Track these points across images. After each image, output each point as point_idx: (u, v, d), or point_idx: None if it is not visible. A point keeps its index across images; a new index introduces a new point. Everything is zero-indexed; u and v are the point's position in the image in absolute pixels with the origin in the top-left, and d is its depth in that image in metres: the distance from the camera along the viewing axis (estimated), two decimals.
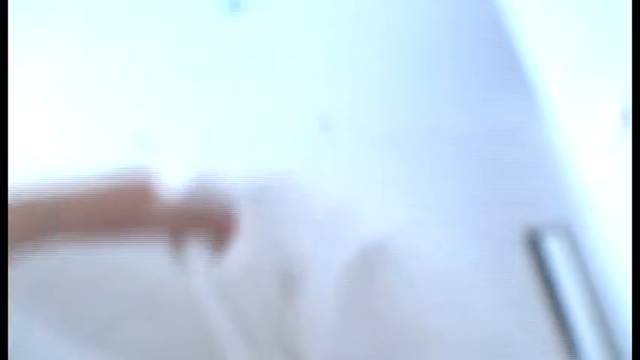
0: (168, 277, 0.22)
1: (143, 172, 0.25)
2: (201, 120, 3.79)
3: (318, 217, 0.24)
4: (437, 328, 0.21)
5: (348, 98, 4.07)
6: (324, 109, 4.10)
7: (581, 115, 1.70)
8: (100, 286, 0.22)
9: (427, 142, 4.37)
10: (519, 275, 3.97)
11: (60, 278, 0.22)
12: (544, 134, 3.95)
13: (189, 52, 3.07)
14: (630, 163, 1.38)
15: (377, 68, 3.64)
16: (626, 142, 1.49)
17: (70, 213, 0.24)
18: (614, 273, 3.38)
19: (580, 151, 1.80)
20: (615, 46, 1.40)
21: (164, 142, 3.95)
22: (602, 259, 3.69)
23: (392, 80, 3.86)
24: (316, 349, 0.21)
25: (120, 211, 0.25)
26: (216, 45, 2.86)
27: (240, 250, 0.22)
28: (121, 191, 0.25)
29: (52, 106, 3.34)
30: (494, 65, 3.70)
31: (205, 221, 0.25)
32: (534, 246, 3.92)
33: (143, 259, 0.23)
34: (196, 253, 0.23)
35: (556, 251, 3.87)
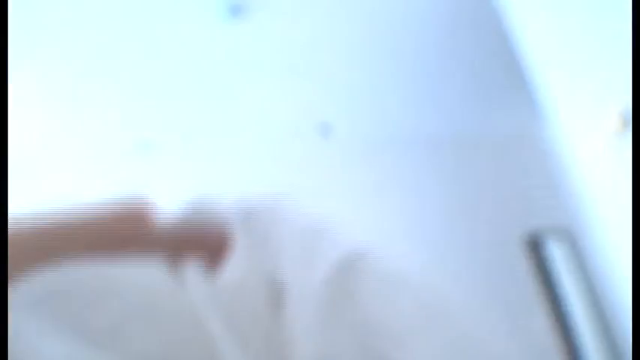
0: (167, 289, 0.24)
1: (139, 198, 0.27)
2: (202, 124, 3.72)
3: (301, 235, 0.26)
4: (414, 331, 0.23)
5: (347, 103, 4.01)
6: (324, 113, 4.05)
7: (582, 118, 1.70)
8: (104, 295, 0.23)
9: (428, 145, 4.33)
10: (520, 278, 3.90)
11: (65, 288, 0.23)
12: (545, 137, 3.90)
13: (190, 57, 3.04)
14: (630, 166, 1.38)
15: (376, 73, 3.58)
16: (626, 145, 1.49)
17: (69, 239, 0.25)
18: (615, 274, 3.35)
19: (580, 154, 1.79)
20: (616, 50, 1.40)
21: (165, 148, 3.86)
22: (603, 261, 3.65)
23: (392, 84, 3.80)
24: (301, 353, 0.22)
25: (117, 236, 0.26)
26: (216, 50, 2.86)
27: (234, 267, 0.24)
28: (118, 217, 0.27)
29: (53, 113, 3.27)
30: (496, 70, 3.65)
31: (201, 243, 0.26)
32: (535, 248, 3.88)
33: (143, 273, 0.24)
34: (192, 270, 0.24)
35: (557, 253, 3.82)
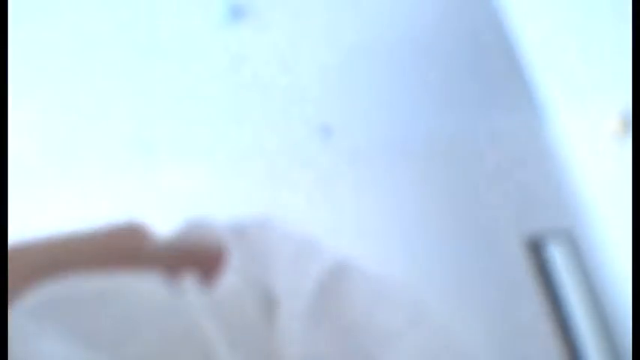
0: (165, 299, 0.25)
1: (135, 220, 0.29)
2: (202, 126, 3.72)
3: (291, 248, 0.28)
4: (397, 332, 0.25)
5: (349, 106, 4.02)
6: (325, 117, 4.06)
7: (583, 119, 1.70)
8: (104, 302, 0.25)
9: (427, 147, 4.33)
10: (520, 279, 3.89)
11: (67, 296, 0.25)
12: (545, 139, 3.91)
13: (191, 60, 3.05)
14: (630, 168, 1.38)
15: (377, 75, 3.59)
16: (626, 146, 1.49)
17: (69, 256, 0.26)
18: (616, 276, 3.34)
19: (581, 155, 1.79)
20: (616, 51, 1.40)
21: (165, 151, 3.87)
22: (604, 263, 3.64)
23: (392, 86, 3.81)
24: (292, 357, 0.24)
25: (114, 253, 0.27)
26: (217, 53, 2.86)
27: (228, 280, 0.26)
28: (115, 235, 0.28)
29: (54, 115, 3.28)
30: (496, 71, 3.66)
31: (196, 259, 0.28)
32: (536, 250, 3.87)
33: (141, 284, 0.26)
34: (188, 283, 0.26)
35: (557, 255, 3.81)
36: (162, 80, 3.04)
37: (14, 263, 0.28)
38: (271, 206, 4.07)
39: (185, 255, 0.31)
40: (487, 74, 3.59)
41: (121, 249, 0.30)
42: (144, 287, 0.28)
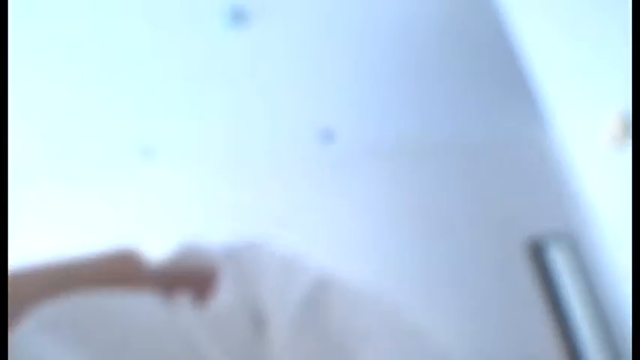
0: (162, 315, 0.28)
1: (131, 246, 0.32)
2: (204, 130, 3.73)
3: (277, 268, 0.31)
4: (373, 334, 0.28)
5: (350, 109, 4.02)
6: (326, 120, 4.06)
7: (583, 123, 1.72)
8: (106, 317, 0.27)
9: (429, 151, 4.34)
10: (521, 281, 3.90)
11: (73, 311, 0.27)
12: (545, 142, 3.92)
13: (193, 65, 3.04)
14: (630, 171, 1.40)
15: (378, 79, 3.60)
16: (626, 149, 1.51)
17: (72, 279, 0.29)
18: (615, 278, 3.35)
19: (581, 158, 1.81)
20: (616, 56, 1.42)
21: (167, 155, 3.88)
22: (604, 265, 3.65)
23: (394, 90, 3.82)
24: None
25: (114, 276, 0.30)
26: (219, 57, 2.87)
27: (221, 298, 0.29)
28: (114, 260, 0.31)
29: (54, 119, 3.28)
30: (497, 76, 3.67)
31: (190, 280, 0.31)
32: (537, 252, 3.89)
33: (140, 302, 0.29)
34: (183, 302, 0.29)
35: (558, 257, 3.83)
36: (162, 82, 3.05)
37: (20, 285, 0.30)
38: (268, 206, 4.08)
39: (179, 277, 0.34)
40: (487, 78, 3.62)
41: (118, 272, 0.33)
42: (142, 304, 0.30)
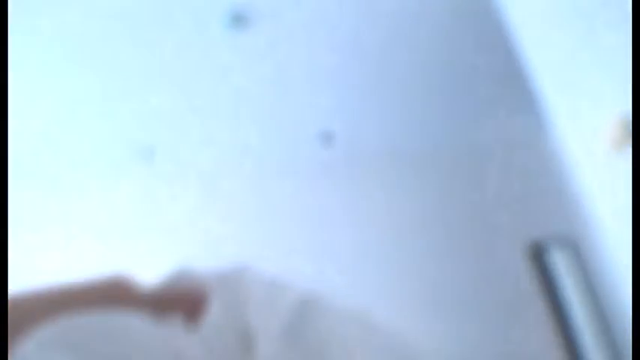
0: (157, 334, 0.30)
1: (123, 272, 0.34)
2: (204, 132, 3.73)
3: (264, 290, 0.34)
4: (357, 343, 0.30)
5: (350, 112, 4.03)
6: (326, 123, 4.06)
7: (583, 126, 1.72)
8: (106, 334, 0.29)
9: (430, 155, 4.35)
10: (522, 284, 3.90)
11: (75, 328, 0.29)
12: (546, 145, 3.92)
13: (193, 67, 3.06)
14: (630, 173, 1.40)
15: (379, 82, 3.61)
16: (627, 152, 1.51)
17: (69, 302, 0.31)
18: (616, 281, 3.34)
19: (582, 161, 1.82)
20: (616, 58, 1.42)
21: (166, 157, 3.89)
22: (605, 268, 3.65)
23: (394, 94, 3.82)
24: None
25: (108, 299, 0.32)
26: (219, 60, 2.88)
27: (211, 320, 0.31)
28: (107, 284, 0.33)
29: (54, 119, 3.29)
30: (497, 79, 3.67)
31: (181, 303, 0.34)
32: (538, 256, 3.89)
33: (136, 322, 0.31)
34: (174, 324, 0.31)
35: (559, 261, 3.83)
36: (162, 84, 3.07)
37: (19, 308, 0.32)
38: (265, 210, 4.08)
39: (170, 300, 0.36)
40: (489, 82, 3.62)
41: (111, 296, 0.34)
42: (136, 324, 0.31)
